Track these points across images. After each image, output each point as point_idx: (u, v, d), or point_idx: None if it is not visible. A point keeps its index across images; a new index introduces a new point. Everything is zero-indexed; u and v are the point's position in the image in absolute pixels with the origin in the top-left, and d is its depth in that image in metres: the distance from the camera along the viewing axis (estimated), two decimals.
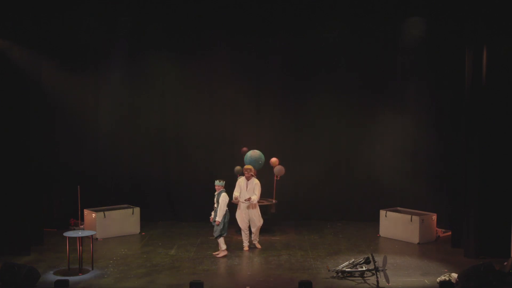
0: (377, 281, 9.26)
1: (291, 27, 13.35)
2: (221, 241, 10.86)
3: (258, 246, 11.47)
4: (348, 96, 13.63)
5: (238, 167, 12.71)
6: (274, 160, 12.62)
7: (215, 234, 10.79)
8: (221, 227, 10.74)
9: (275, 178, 12.72)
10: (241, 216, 11.41)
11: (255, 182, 11.37)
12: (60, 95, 12.74)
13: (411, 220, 11.94)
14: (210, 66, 13.61)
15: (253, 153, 12.36)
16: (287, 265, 10.42)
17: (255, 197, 11.24)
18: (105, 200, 13.06)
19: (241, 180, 11.47)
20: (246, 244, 11.43)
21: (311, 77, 13.61)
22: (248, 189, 11.32)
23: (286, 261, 10.66)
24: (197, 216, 13.11)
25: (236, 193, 11.37)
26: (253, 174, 11.43)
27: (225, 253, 10.90)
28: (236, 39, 13.45)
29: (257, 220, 11.38)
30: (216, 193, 10.87)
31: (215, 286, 9.28)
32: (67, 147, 13.06)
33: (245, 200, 11.21)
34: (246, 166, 11.55)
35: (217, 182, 10.86)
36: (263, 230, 11.62)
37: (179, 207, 13.86)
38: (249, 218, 11.35)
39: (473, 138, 10.79)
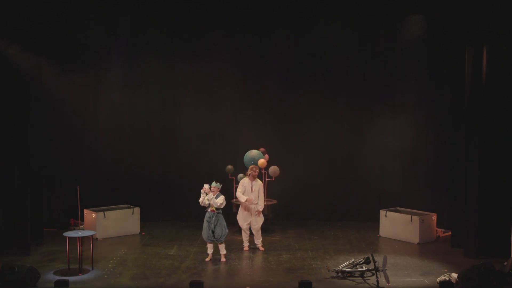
0: (377, 281, 9.26)
1: (290, 26, 13.35)
2: (222, 246, 10.72)
3: (261, 248, 11.35)
4: (348, 96, 13.62)
5: (229, 166, 12.71)
6: (262, 161, 12.53)
7: (222, 239, 10.57)
8: (227, 231, 10.67)
9: (266, 178, 12.67)
10: (242, 216, 11.36)
11: (259, 183, 11.28)
12: (60, 95, 12.76)
13: (411, 220, 11.94)
14: (209, 66, 13.62)
15: (249, 152, 12.38)
16: (287, 265, 10.42)
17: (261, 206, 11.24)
18: (105, 200, 13.05)
19: (245, 181, 11.29)
20: (246, 244, 11.41)
21: (310, 77, 13.59)
22: (253, 190, 11.15)
23: (286, 261, 10.66)
24: (197, 216, 13.04)
25: (239, 193, 11.22)
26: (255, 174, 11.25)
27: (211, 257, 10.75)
28: (236, 39, 13.46)
29: (255, 221, 11.27)
30: (213, 195, 10.40)
31: (215, 286, 9.28)
32: (67, 147, 13.07)
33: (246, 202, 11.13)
34: (252, 166, 11.37)
35: (216, 184, 10.47)
36: (263, 230, 11.61)
37: (179, 207, 13.86)
38: (250, 218, 11.30)
39: (473, 137, 10.78)
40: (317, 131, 13.74)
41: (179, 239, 12.23)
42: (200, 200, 10.53)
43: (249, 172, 11.28)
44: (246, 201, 11.14)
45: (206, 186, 10.46)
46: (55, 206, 13.00)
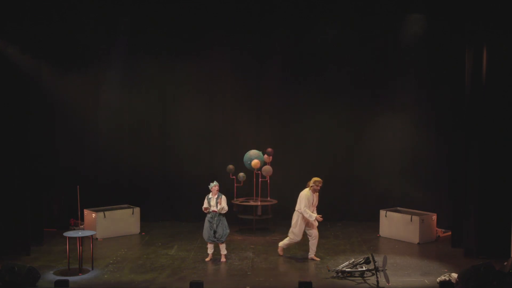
0: (377, 281, 9.26)
1: (290, 26, 13.37)
2: (223, 246, 10.70)
3: (317, 258, 10.77)
4: (348, 96, 13.64)
5: (230, 166, 12.71)
6: (255, 162, 12.50)
7: (223, 239, 10.53)
8: (228, 231, 10.63)
9: (260, 179, 12.66)
10: (300, 227, 10.72)
11: (317, 194, 10.78)
12: (60, 95, 12.76)
13: (411, 220, 11.94)
14: (209, 66, 13.62)
15: (249, 152, 12.34)
16: (287, 265, 10.42)
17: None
18: (105, 200, 13.05)
19: (308, 194, 10.66)
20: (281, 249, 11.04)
21: (310, 77, 13.60)
22: (314, 202, 10.73)
23: (286, 261, 10.66)
24: (197, 216, 13.05)
25: (309, 211, 10.59)
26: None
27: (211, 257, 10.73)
28: (236, 39, 13.46)
29: (315, 231, 10.80)
30: (213, 196, 10.41)
31: (215, 286, 9.28)
32: (67, 147, 13.07)
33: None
34: (317, 178, 10.60)
35: (212, 184, 10.44)
36: (263, 230, 11.58)
37: (179, 207, 13.86)
38: (307, 231, 10.78)
39: (473, 137, 10.79)
40: (317, 131, 13.73)
41: (179, 239, 12.23)
42: (206, 210, 10.50)
43: (311, 184, 10.67)
44: (315, 219, 10.61)
45: (205, 206, 10.42)
46: (55, 206, 13.00)
